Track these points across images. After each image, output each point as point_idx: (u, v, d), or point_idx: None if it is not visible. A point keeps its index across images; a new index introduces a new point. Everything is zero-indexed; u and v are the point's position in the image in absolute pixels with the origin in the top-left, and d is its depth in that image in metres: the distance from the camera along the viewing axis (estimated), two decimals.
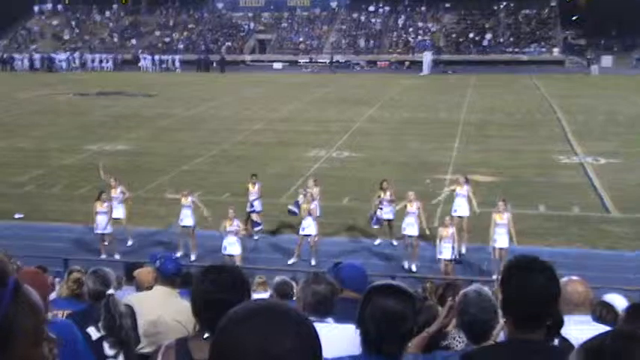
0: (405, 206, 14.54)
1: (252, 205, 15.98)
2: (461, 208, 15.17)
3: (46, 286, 4.64)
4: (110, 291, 4.60)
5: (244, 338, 1.32)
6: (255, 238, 15.94)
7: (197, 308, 2.93)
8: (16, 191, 19.97)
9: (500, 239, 13.56)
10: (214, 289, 2.87)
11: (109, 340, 4.16)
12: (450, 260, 13.33)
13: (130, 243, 15.73)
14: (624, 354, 1.25)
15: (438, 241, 13.46)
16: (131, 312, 4.83)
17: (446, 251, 13.27)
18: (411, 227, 14.35)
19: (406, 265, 14.37)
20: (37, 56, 63.39)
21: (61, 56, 63.54)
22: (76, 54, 64.44)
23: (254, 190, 16.15)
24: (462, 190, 15.28)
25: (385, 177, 16.32)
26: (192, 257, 14.65)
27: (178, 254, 14.35)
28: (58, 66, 61.74)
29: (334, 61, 60.49)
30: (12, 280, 1.42)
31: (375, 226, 15.49)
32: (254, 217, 15.95)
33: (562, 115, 32.13)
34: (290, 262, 14.29)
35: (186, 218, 15.00)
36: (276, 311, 1.38)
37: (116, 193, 15.86)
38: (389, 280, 3.05)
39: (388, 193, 15.31)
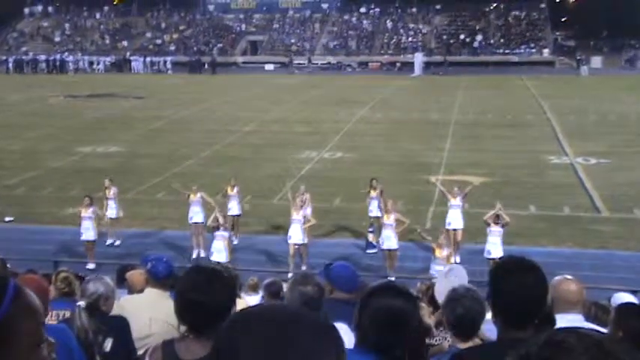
0: (383, 217, 14.21)
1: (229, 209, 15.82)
2: (455, 220, 14.78)
3: (47, 293, 4.57)
4: (80, 302, 4.40)
5: (249, 343, 1.25)
6: (235, 242, 15.68)
7: (177, 308, 2.95)
8: (6, 193, 19.87)
9: (494, 250, 13.15)
10: (192, 289, 2.89)
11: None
12: None
13: (110, 242, 15.76)
14: None
15: (431, 253, 13.13)
16: (119, 325, 4.60)
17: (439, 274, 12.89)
18: (388, 240, 13.88)
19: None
20: (42, 57, 63.37)
21: (69, 58, 63.56)
22: (85, 56, 64.45)
23: (232, 193, 16.08)
24: (456, 201, 14.87)
25: (376, 178, 16.34)
26: (202, 254, 14.53)
27: (194, 255, 14.32)
28: (65, 67, 62.03)
29: (295, 62, 60.90)
30: (12, 283, 1.44)
31: (370, 251, 15.18)
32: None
33: (552, 116, 32.26)
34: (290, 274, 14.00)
35: (196, 215, 14.98)
36: (286, 315, 1.31)
37: (110, 194, 15.96)
38: (388, 281, 3.05)
39: (378, 191, 15.48)
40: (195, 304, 2.83)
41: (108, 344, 4.28)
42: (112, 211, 15.88)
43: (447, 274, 4.28)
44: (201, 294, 2.85)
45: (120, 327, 4.52)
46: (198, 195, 15.10)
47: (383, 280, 3.02)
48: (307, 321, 1.30)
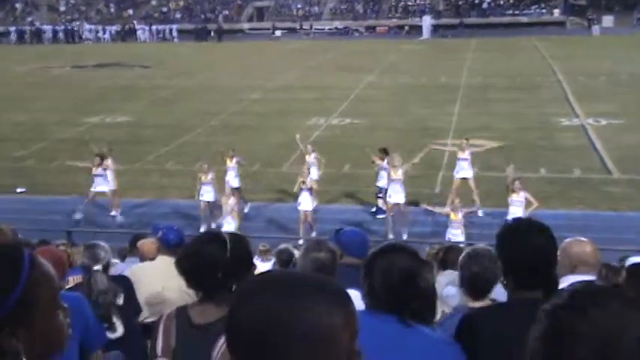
0: (390, 174, 14.19)
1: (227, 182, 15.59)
2: (463, 170, 15.11)
3: (62, 262, 4.81)
4: (96, 267, 4.64)
5: (258, 307, 1.23)
6: (246, 210, 15.74)
7: (182, 268, 3.10)
8: (16, 165, 19.96)
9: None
10: (187, 251, 3.12)
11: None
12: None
13: (113, 213, 15.58)
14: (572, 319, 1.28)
15: (445, 214, 13.13)
16: (125, 283, 4.95)
17: (455, 238, 12.60)
18: (396, 195, 13.96)
19: (390, 236, 13.82)
20: (47, 27, 63.39)
21: (75, 28, 63.37)
22: (91, 25, 64.22)
23: (231, 164, 15.80)
24: (464, 154, 15.19)
25: (386, 143, 16.27)
26: (213, 226, 14.45)
27: (213, 226, 14.33)
28: (82, 37, 62.08)
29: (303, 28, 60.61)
30: (27, 254, 1.50)
31: (380, 216, 15.16)
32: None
33: (563, 77, 31.94)
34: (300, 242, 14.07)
35: (207, 194, 14.89)
36: (295, 279, 1.30)
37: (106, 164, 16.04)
38: (389, 242, 3.06)
39: (385, 161, 15.34)
40: (192, 265, 2.97)
41: (120, 299, 4.63)
42: (105, 184, 15.72)
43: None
44: (196, 254, 3.03)
45: (126, 285, 4.94)
46: (209, 176, 14.99)
47: (384, 242, 3.00)
48: (317, 286, 1.29)
